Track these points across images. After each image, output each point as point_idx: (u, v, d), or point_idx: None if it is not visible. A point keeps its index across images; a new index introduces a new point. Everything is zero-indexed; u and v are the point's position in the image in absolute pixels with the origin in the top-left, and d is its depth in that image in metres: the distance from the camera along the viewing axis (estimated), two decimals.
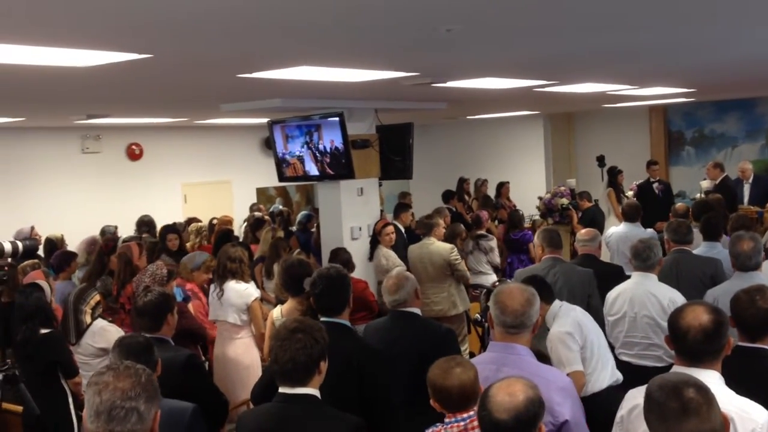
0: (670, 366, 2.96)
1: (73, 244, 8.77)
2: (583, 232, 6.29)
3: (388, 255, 7.60)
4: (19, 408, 5.11)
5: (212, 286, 6.08)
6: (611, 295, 5.09)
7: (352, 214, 8.21)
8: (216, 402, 4.15)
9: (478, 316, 7.34)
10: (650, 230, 7.96)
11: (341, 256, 6.70)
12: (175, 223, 9.58)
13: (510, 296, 3.13)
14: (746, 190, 10.42)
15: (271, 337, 3.12)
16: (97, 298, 5.25)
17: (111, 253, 6.97)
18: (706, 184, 10.59)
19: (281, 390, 2.96)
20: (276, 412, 2.94)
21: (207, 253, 6.94)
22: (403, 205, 9.31)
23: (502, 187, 12.66)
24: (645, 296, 4.87)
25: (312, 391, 2.93)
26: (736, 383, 2.68)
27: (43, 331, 5.03)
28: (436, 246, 7.41)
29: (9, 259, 5.93)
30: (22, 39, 3.90)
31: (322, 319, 3.79)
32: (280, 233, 8.91)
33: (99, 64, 4.72)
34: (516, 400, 2.37)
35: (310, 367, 2.93)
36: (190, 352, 4.25)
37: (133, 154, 12.39)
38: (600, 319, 5.20)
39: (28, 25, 3.60)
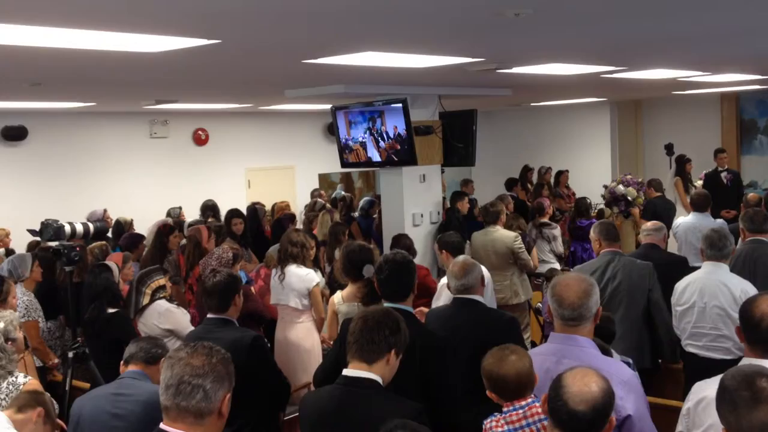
0: (738, 359, 2.89)
1: (140, 227, 8.99)
2: (649, 224, 6.14)
3: None
4: (87, 385, 5.26)
5: (274, 270, 6.15)
6: (680, 285, 4.97)
7: (414, 200, 8.21)
8: (279, 383, 4.20)
9: (539, 305, 7.27)
10: (720, 220, 7.74)
11: (403, 242, 6.71)
12: (255, 207, 9.65)
13: (567, 288, 3.05)
14: None
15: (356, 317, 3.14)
16: (162, 281, 5.33)
17: (170, 233, 7.12)
18: None
19: (345, 372, 2.97)
20: (337, 395, 2.95)
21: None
22: (460, 193, 9.24)
23: (560, 175, 12.47)
24: (716, 286, 4.75)
25: (375, 376, 2.93)
26: None
27: (110, 310, 5.15)
28: (500, 233, 7.34)
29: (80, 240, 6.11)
30: (95, 24, 3.99)
31: (386, 304, 3.80)
32: (337, 217, 8.96)
33: (169, 50, 4.80)
34: (593, 391, 2.35)
35: (383, 348, 2.93)
36: (256, 333, 4.31)
37: (199, 139, 12.60)
38: (661, 312, 5.13)
39: (100, 11, 3.68)
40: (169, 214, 9.84)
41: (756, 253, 5.42)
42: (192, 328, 5.16)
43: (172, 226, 7.51)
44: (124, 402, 3.46)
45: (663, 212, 8.91)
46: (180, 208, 10.27)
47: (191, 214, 10.29)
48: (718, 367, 3.01)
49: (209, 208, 9.88)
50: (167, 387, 2.25)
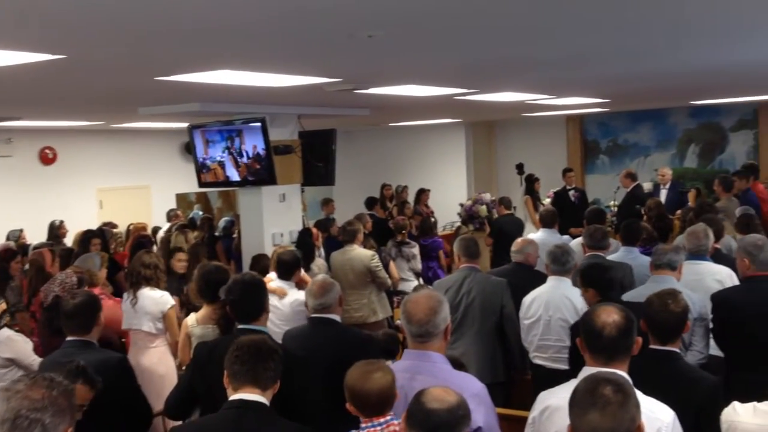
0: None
1: None
2: (518, 242, 6.15)
3: (320, 264, 7.61)
4: None
5: (125, 294, 5.93)
6: (527, 299, 5.17)
7: (274, 220, 8.16)
8: (145, 406, 4.05)
9: (399, 322, 7.35)
10: (566, 237, 8.12)
11: (262, 262, 6.64)
12: (102, 228, 9.30)
13: (415, 305, 3.12)
14: (663, 195, 10.76)
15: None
16: (3, 307, 5.05)
17: (11, 259, 6.75)
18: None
19: (238, 396, 2.91)
20: (233, 418, 2.87)
21: (95, 254, 6.89)
22: (329, 220, 9.36)
23: (421, 194, 12.76)
24: (560, 300, 4.97)
25: (265, 400, 2.91)
26: (647, 385, 2.71)
27: None
28: (357, 252, 7.40)
29: None
30: None
31: (240, 326, 3.75)
32: (191, 236, 8.78)
33: (10, 65, 4.56)
34: (449, 396, 2.46)
35: (277, 374, 2.95)
36: (120, 354, 4.15)
37: (47, 158, 12.01)
38: (513, 326, 5.31)
39: None
40: (8, 237, 9.29)
41: None
42: (35, 356, 4.90)
43: (14, 250, 7.11)
44: None
45: (510, 230, 9.03)
46: (21, 230, 9.71)
47: (39, 236, 9.75)
48: (564, 378, 3.12)
49: (49, 230, 9.43)
50: (2, 422, 2.11)
